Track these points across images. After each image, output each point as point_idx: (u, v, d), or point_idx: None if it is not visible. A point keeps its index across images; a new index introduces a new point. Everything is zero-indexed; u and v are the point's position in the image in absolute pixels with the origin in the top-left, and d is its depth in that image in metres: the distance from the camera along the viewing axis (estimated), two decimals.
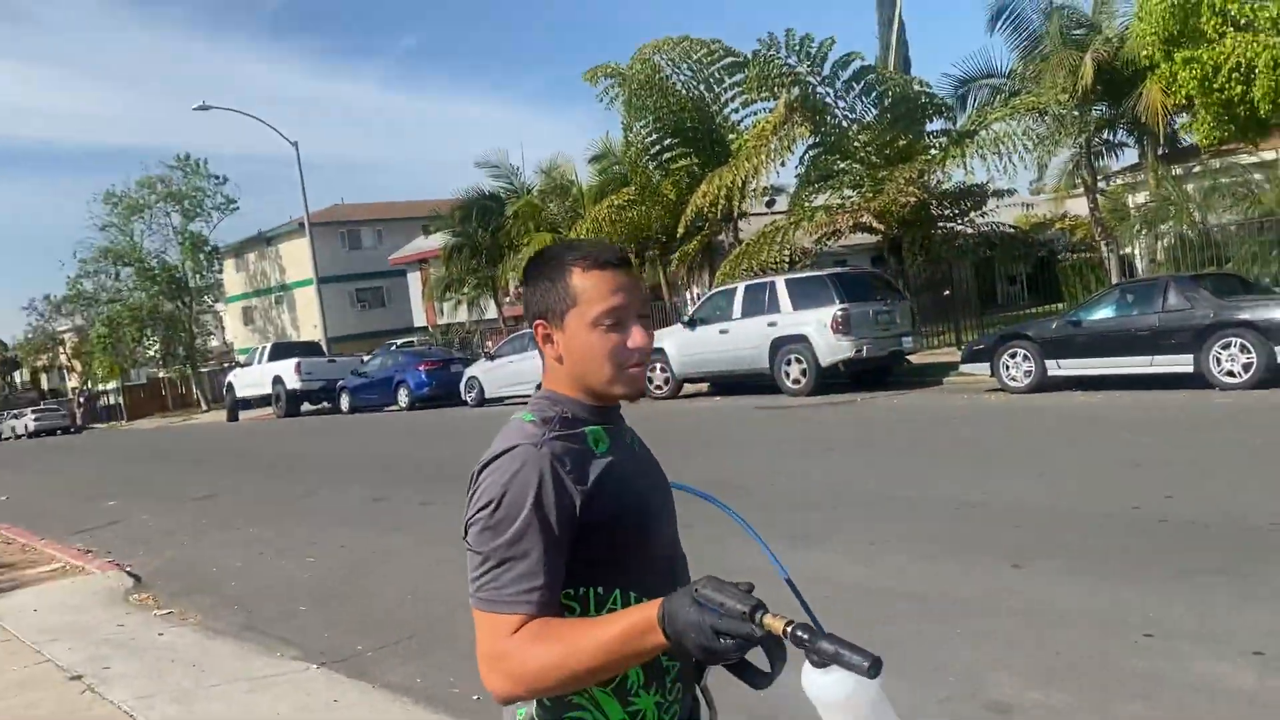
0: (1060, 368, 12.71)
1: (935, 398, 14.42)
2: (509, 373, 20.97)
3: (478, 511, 1.41)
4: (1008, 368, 13.28)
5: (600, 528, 1.44)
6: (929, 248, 21.60)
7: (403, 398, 23.91)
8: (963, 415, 12.18)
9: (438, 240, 34.16)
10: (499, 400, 21.38)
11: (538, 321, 1.53)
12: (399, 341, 30.51)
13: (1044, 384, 12.87)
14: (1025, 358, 13.04)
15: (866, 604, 5.32)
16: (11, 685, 5.38)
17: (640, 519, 1.50)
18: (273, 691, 4.96)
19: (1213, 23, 11.17)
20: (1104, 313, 12.59)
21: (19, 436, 44.95)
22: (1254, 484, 6.91)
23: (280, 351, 30.56)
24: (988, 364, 13.54)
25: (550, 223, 29.21)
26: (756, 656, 1.34)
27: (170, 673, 5.41)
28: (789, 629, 1.25)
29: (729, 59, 22.37)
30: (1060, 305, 21.99)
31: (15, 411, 51.40)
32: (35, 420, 45.84)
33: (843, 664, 1.22)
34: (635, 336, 1.49)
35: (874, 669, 1.20)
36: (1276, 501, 6.29)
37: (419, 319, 41.29)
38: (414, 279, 41.14)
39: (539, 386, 1.59)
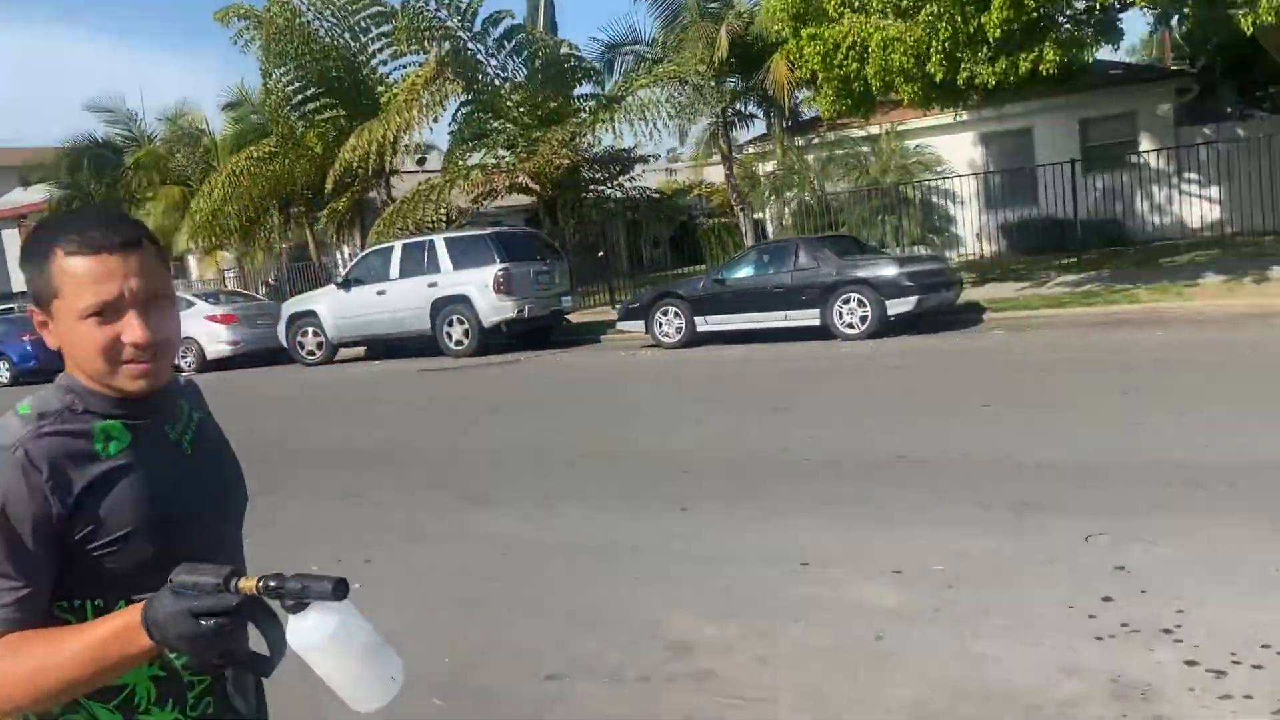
0: (708, 323, 13.55)
1: (595, 355, 14.87)
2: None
3: None
4: (660, 324, 13.95)
5: (98, 537, 1.31)
6: (580, 210, 22.12)
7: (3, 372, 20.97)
8: (623, 371, 12.66)
9: (40, 193, 30.15)
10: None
11: (30, 309, 1.39)
12: None
13: (694, 339, 13.67)
14: (676, 314, 13.76)
15: (544, 561, 5.36)
16: None
17: (162, 529, 1.35)
18: None
19: (834, 3, 12.24)
20: (744, 272, 13.55)
21: None
22: (877, 423, 7.74)
23: None
24: (642, 321, 14.15)
25: (179, 175, 26.73)
26: (261, 645, 1.30)
27: None
28: (259, 584, 1.22)
29: (376, 8, 21.51)
30: (702, 266, 23.41)
31: None
32: None
33: (311, 595, 1.21)
34: (131, 329, 1.33)
35: (338, 590, 1.21)
36: (897, 438, 7.08)
37: (18, 283, 36.30)
38: (10, 236, 36.09)
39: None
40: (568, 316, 17.21)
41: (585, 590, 4.87)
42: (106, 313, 1.32)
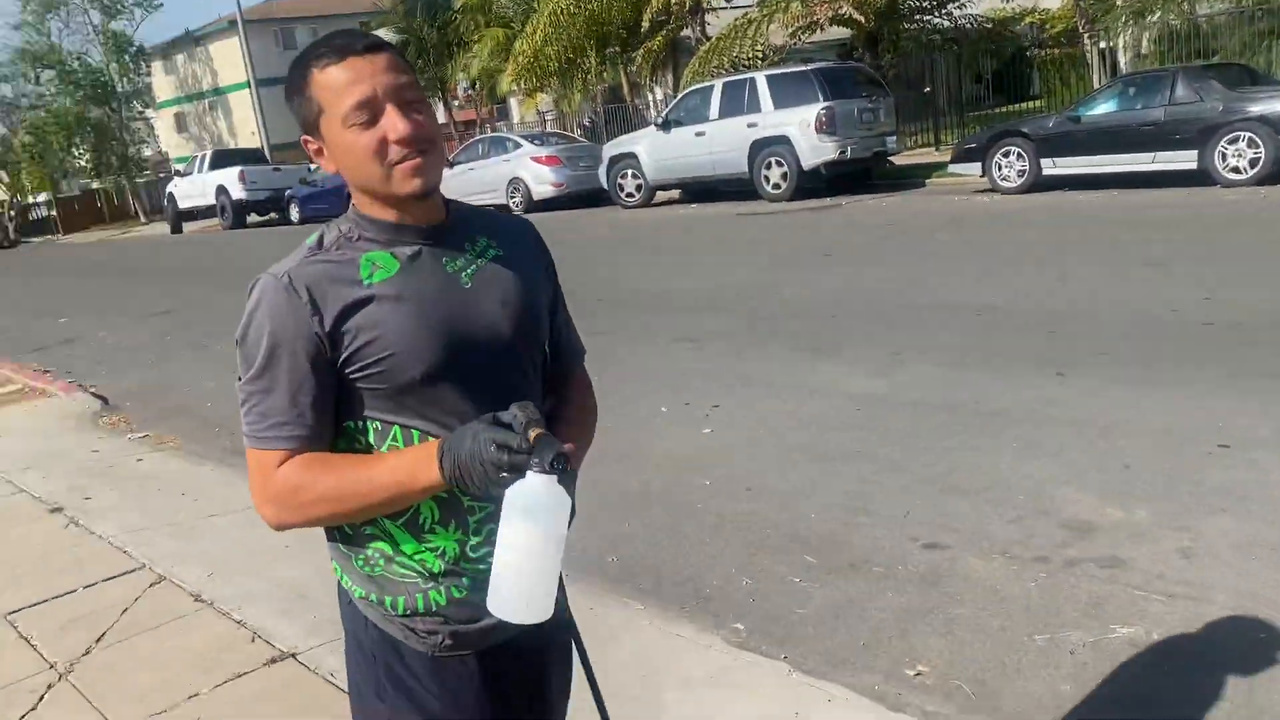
0: (1056, 166, 12.25)
1: (923, 200, 13.95)
2: (469, 180, 20.08)
3: (236, 343, 1.39)
4: (1000, 167, 12.79)
5: (360, 359, 1.35)
6: (899, 43, 20.56)
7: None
8: (959, 217, 11.74)
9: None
10: None
11: (304, 139, 1.42)
12: None
13: (1039, 183, 12.44)
14: (1019, 156, 12.54)
15: (900, 419, 5.02)
16: None
17: (425, 355, 1.36)
18: None
19: None
20: (1105, 107, 12.03)
21: None
22: None
23: (221, 160, 29.01)
24: (979, 164, 13.03)
25: (502, 17, 27.42)
26: None
27: (158, 502, 5.01)
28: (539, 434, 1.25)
29: None
30: (1035, 104, 21.33)
31: None
32: None
33: (546, 462, 1.23)
34: (394, 126, 1.34)
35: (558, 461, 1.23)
36: None
37: None
38: None
39: None
40: (891, 159, 16.24)
41: (953, 455, 4.50)
42: (367, 116, 1.33)
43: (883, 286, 8.22)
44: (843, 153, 14.55)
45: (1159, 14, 19.01)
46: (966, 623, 3.20)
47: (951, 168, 13.86)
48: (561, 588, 1.45)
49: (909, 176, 15.94)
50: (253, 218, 27.67)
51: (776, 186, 15.19)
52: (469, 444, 1.27)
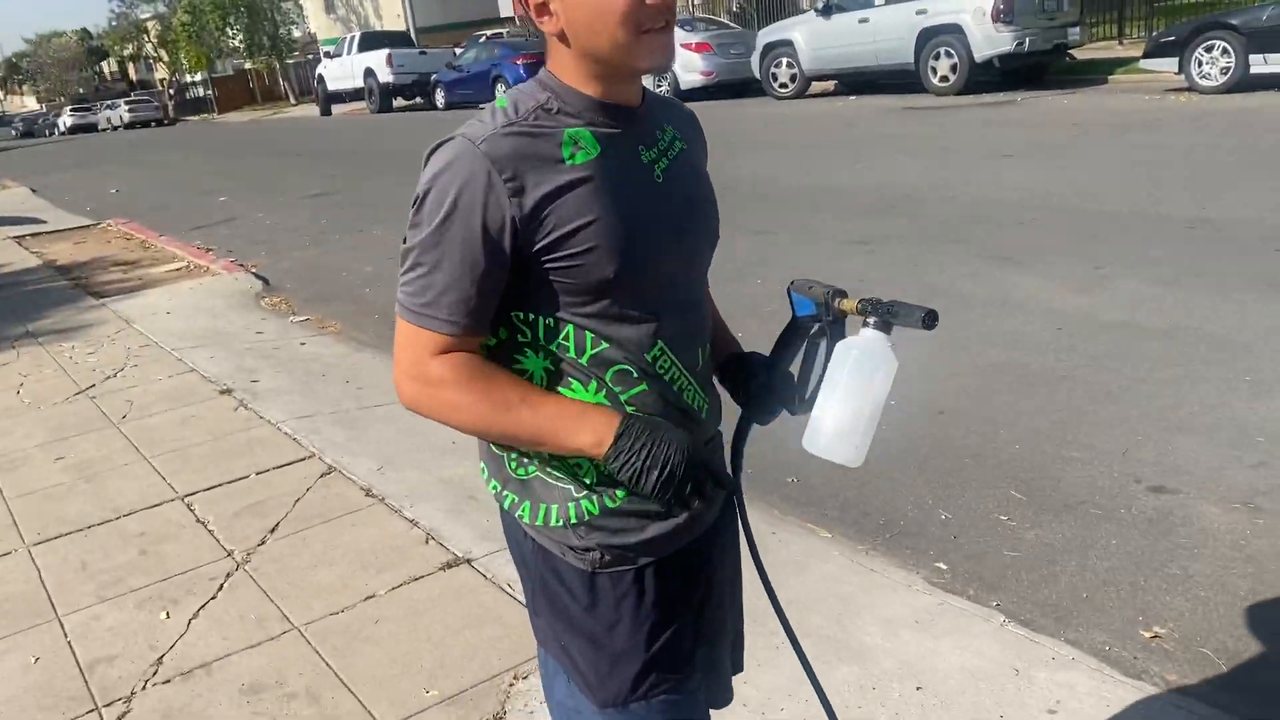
0: (1267, 63, 11.02)
1: (1109, 98, 12.83)
2: None
3: (412, 204, 1.23)
4: (1200, 63, 11.59)
5: (557, 250, 1.20)
6: None
7: (500, 93, 22.73)
8: (1156, 118, 10.71)
9: None
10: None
11: None
12: (488, 33, 28.74)
13: (1243, 82, 11.24)
14: (1225, 51, 11.31)
15: (1109, 342, 4.55)
16: (161, 397, 5.03)
17: (626, 251, 1.22)
18: None
19: None
20: None
21: (115, 128, 45.01)
22: None
23: (369, 42, 29.14)
24: (1176, 59, 11.83)
25: None
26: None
27: (324, 388, 4.98)
28: (859, 305, 1.31)
29: None
30: None
31: (109, 102, 51.29)
32: (130, 111, 45.65)
33: (899, 319, 1.28)
34: None
35: (929, 320, 1.27)
36: None
37: (506, 8, 38.90)
38: None
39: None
40: (1071, 52, 14.99)
41: (1176, 387, 4.04)
42: None
43: (1073, 191, 7.54)
44: (1020, 44, 13.46)
45: None
46: (1208, 581, 2.83)
47: (1143, 63, 12.64)
48: (732, 511, 1.47)
49: (1090, 72, 14.70)
50: (399, 101, 27.82)
51: (944, 79, 14.22)
52: (666, 451, 1.20)
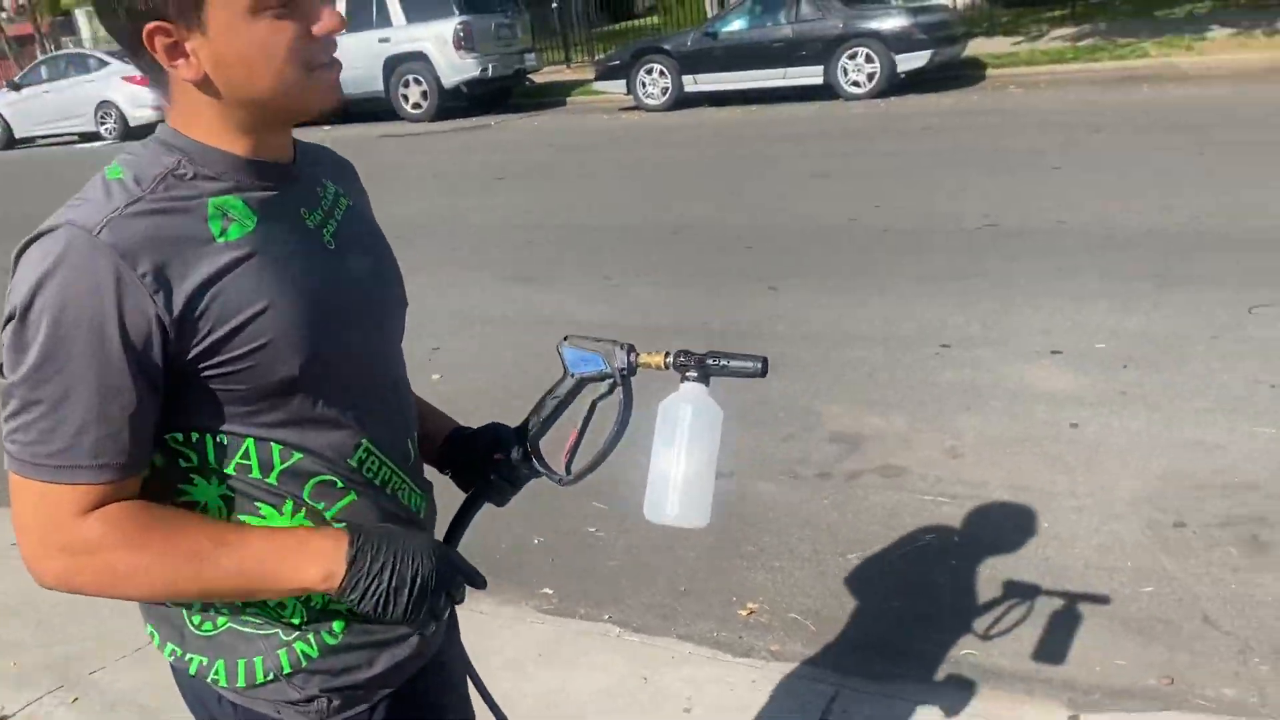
0: (697, 83, 12.65)
1: (573, 118, 13.88)
2: (44, 106, 17.25)
3: (6, 321, 0.94)
4: (644, 84, 12.99)
5: (221, 351, 0.98)
6: None
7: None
8: (617, 136, 11.78)
9: None
10: (31, 140, 17.78)
11: (153, 25, 0.95)
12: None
13: (682, 100, 12.79)
14: (662, 73, 12.80)
15: (632, 339, 4.90)
16: None
17: (309, 339, 1.02)
18: None
19: None
20: (738, 24, 12.54)
21: None
22: (941, 188, 7.24)
23: None
24: (624, 81, 13.14)
25: None
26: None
27: None
28: (670, 359, 1.22)
29: None
30: (654, 20, 21.95)
31: None
32: None
33: (732, 371, 1.20)
34: (324, 19, 1.00)
35: (763, 369, 1.19)
36: (972, 203, 6.64)
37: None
38: None
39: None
40: (530, 76, 16.01)
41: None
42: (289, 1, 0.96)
43: (570, 209, 8.06)
44: (485, 70, 14.09)
45: None
46: (779, 551, 3.16)
47: (596, 85, 13.89)
48: (453, 618, 1.33)
49: (550, 95, 15.81)
50: None
51: (417, 106, 14.45)
52: (413, 564, 1.01)
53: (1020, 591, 2.81)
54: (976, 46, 13.44)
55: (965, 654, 2.59)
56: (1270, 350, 4.02)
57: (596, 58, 16.03)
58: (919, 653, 2.63)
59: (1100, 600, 2.71)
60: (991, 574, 2.90)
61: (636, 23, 22.33)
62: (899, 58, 11.20)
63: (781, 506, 3.40)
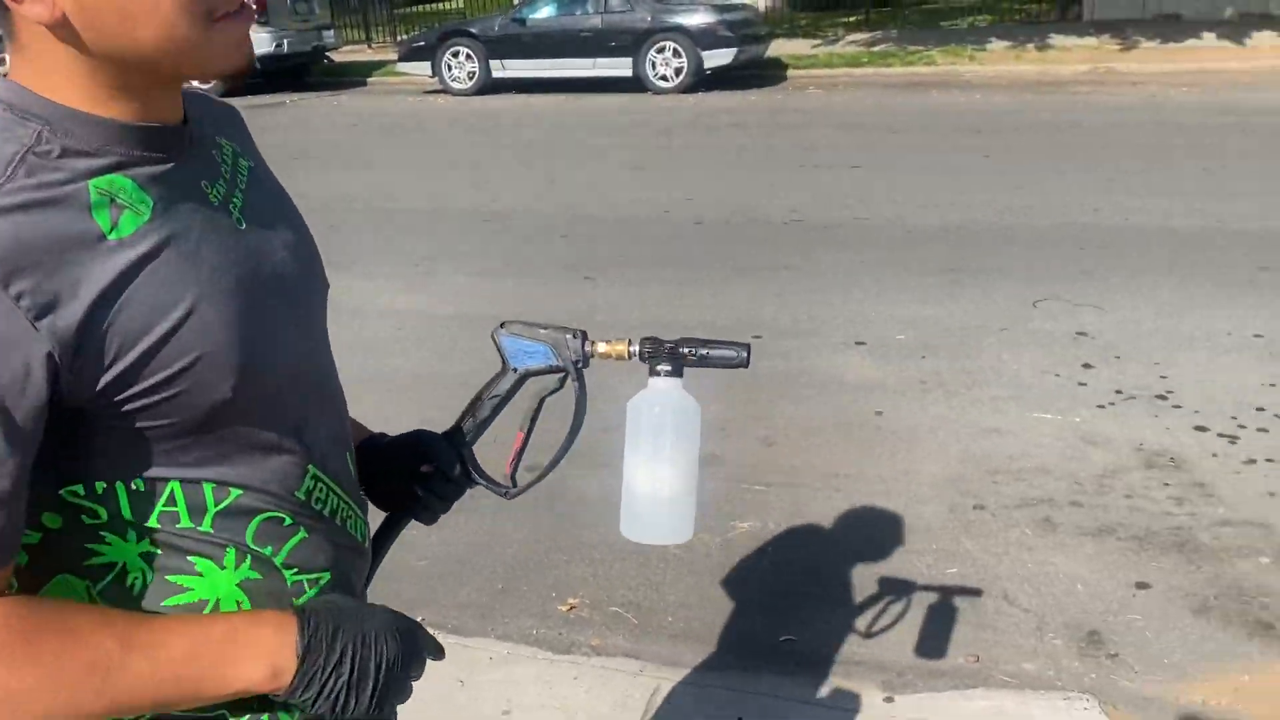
0: (505, 68, 12.46)
1: (377, 99, 13.39)
2: None
3: None
4: (450, 67, 12.68)
5: (124, 388, 0.75)
6: None
7: None
8: (423, 118, 11.43)
9: None
10: None
11: None
12: None
13: (489, 85, 12.57)
14: (469, 57, 12.53)
15: (441, 333, 4.74)
16: None
17: (230, 358, 0.79)
18: None
19: None
20: (547, 11, 12.43)
21: None
22: (751, 182, 7.40)
23: None
24: (429, 63, 12.78)
25: None
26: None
27: None
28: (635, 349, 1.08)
29: None
30: (458, 3, 21.54)
31: None
32: None
33: (714, 361, 1.09)
34: None
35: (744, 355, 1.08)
36: (781, 198, 6.81)
37: None
38: None
39: None
40: (329, 54, 15.34)
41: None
42: None
43: (375, 190, 7.73)
44: (279, 45, 13.38)
45: None
46: (598, 545, 3.10)
47: (400, 66, 13.46)
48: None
49: (350, 74, 15.22)
50: None
51: (204, 81, 13.55)
52: (375, 647, 0.83)
53: (835, 577, 2.87)
54: (778, 47, 13.88)
55: (783, 640, 2.61)
56: (1053, 341, 4.29)
57: (400, 38, 15.53)
58: (738, 641, 2.64)
59: (909, 583, 2.79)
60: (807, 560, 2.95)
61: (442, 5, 21.86)
62: (705, 54, 11.41)
63: (601, 499, 3.34)
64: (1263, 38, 12.63)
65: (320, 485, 0.91)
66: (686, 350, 1.06)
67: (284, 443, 0.86)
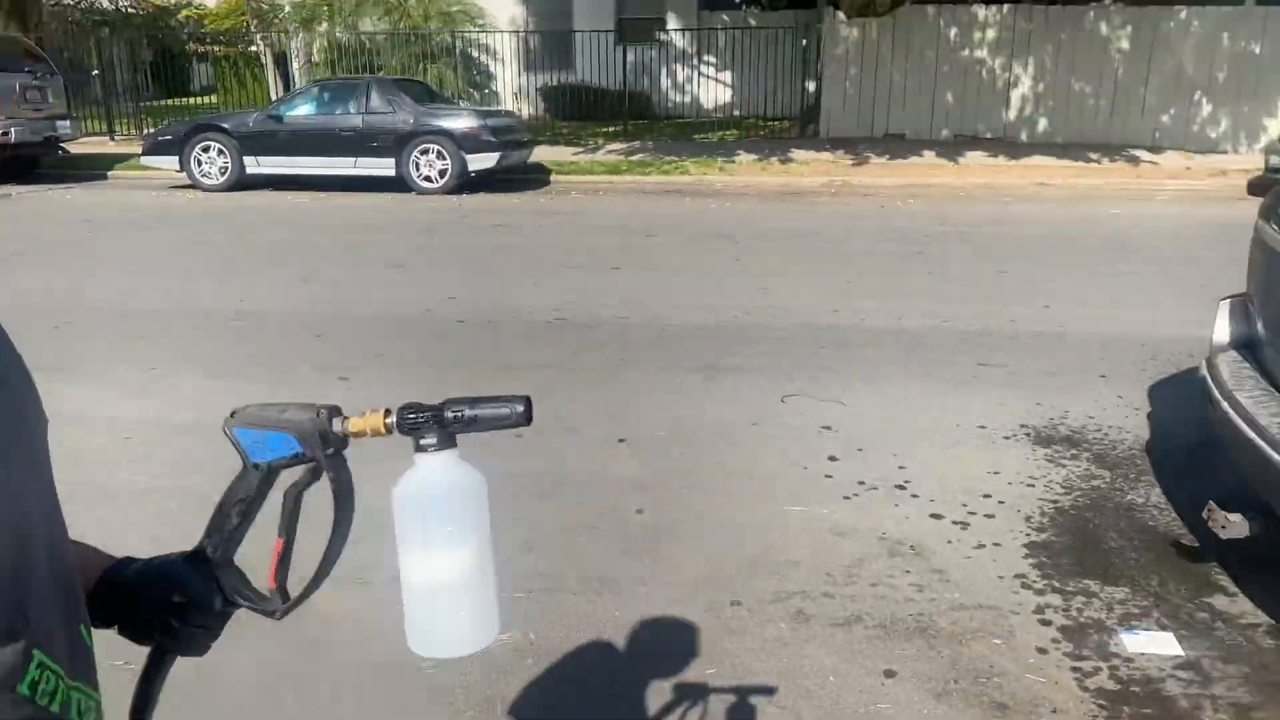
0: (260, 165, 12.03)
1: (118, 194, 12.55)
2: None
3: None
4: (200, 162, 12.12)
5: None
6: (39, 19, 18.19)
7: None
8: (170, 215, 10.79)
9: None
10: None
11: None
12: None
13: (242, 181, 12.08)
14: (221, 152, 12.03)
15: (178, 442, 4.40)
16: None
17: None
18: None
19: None
20: (305, 110, 12.17)
21: None
22: (513, 282, 7.40)
23: None
24: (177, 157, 12.17)
25: None
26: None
27: None
28: (391, 420, 0.93)
29: None
30: (211, 98, 20.83)
31: None
32: None
33: (486, 424, 0.94)
34: None
35: (527, 411, 0.95)
36: (547, 297, 6.84)
37: None
38: None
39: None
40: (64, 146, 14.33)
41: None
42: None
43: (108, 293, 7.16)
44: (7, 135, 12.39)
45: (326, 26, 19.99)
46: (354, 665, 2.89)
47: (144, 159, 12.73)
48: None
49: (88, 167, 14.25)
50: None
51: None
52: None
53: (597, 686, 2.79)
54: (541, 153, 14.20)
55: None
56: (801, 435, 4.47)
57: (146, 131, 14.75)
58: None
59: (675, 688, 2.75)
60: (570, 671, 2.86)
61: (192, 100, 21.04)
62: (470, 157, 11.48)
63: (347, 610, 3.14)
64: (974, 156, 14.17)
65: (46, 672, 0.73)
66: (451, 414, 0.92)
67: (4, 629, 0.69)
